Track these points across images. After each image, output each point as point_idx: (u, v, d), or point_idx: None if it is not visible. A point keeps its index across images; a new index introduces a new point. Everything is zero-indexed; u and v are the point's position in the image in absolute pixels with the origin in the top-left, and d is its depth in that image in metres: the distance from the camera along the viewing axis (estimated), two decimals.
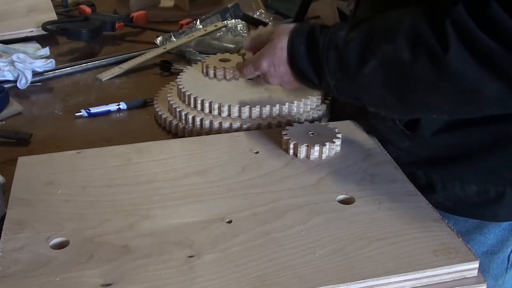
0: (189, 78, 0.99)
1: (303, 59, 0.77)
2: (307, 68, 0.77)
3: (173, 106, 0.95)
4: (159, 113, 0.98)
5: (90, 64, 1.24)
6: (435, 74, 0.65)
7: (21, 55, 1.15)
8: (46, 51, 1.24)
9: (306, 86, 0.82)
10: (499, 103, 0.66)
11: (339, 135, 0.82)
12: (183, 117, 0.93)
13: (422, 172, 0.82)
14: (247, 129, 0.89)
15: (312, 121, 0.90)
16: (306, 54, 0.77)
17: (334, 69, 0.74)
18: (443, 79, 0.65)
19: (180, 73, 1.01)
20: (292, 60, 0.78)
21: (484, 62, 0.62)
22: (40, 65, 1.16)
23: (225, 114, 0.91)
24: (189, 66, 1.06)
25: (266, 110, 0.90)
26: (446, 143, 0.80)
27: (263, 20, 1.13)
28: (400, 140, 0.83)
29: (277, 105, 0.90)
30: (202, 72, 1.01)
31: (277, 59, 0.80)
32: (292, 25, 0.81)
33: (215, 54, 1.06)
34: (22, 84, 1.13)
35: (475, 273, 0.62)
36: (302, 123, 0.87)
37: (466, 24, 0.62)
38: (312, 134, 0.82)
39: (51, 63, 1.18)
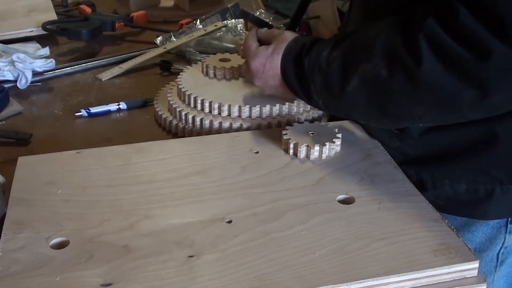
0: (189, 78, 0.99)
1: (292, 79, 0.80)
2: (296, 87, 0.80)
3: (173, 106, 0.95)
4: (159, 113, 0.98)
5: (90, 64, 1.24)
6: (412, 88, 0.67)
7: (21, 55, 1.15)
8: (46, 51, 1.24)
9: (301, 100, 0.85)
10: (477, 109, 0.67)
11: (339, 135, 0.82)
12: (183, 117, 0.93)
13: (413, 171, 0.82)
14: (247, 129, 0.89)
15: (312, 121, 0.90)
16: (294, 74, 0.80)
17: (320, 89, 0.76)
18: (420, 92, 0.67)
19: (180, 73, 1.01)
20: (284, 77, 0.82)
21: (457, 71, 0.64)
22: (40, 65, 1.16)
23: (225, 114, 0.91)
24: (189, 66, 1.06)
25: (266, 110, 0.90)
26: (435, 143, 0.81)
27: (264, 19, 1.12)
28: (391, 140, 0.83)
29: (277, 105, 0.90)
30: (202, 72, 1.01)
31: (270, 76, 0.83)
32: (293, 37, 0.82)
33: (215, 54, 1.06)
34: (22, 84, 1.13)
35: (475, 273, 0.62)
36: (302, 123, 0.87)
37: (437, 36, 0.64)
38: (312, 134, 0.83)
39: (51, 63, 1.18)
